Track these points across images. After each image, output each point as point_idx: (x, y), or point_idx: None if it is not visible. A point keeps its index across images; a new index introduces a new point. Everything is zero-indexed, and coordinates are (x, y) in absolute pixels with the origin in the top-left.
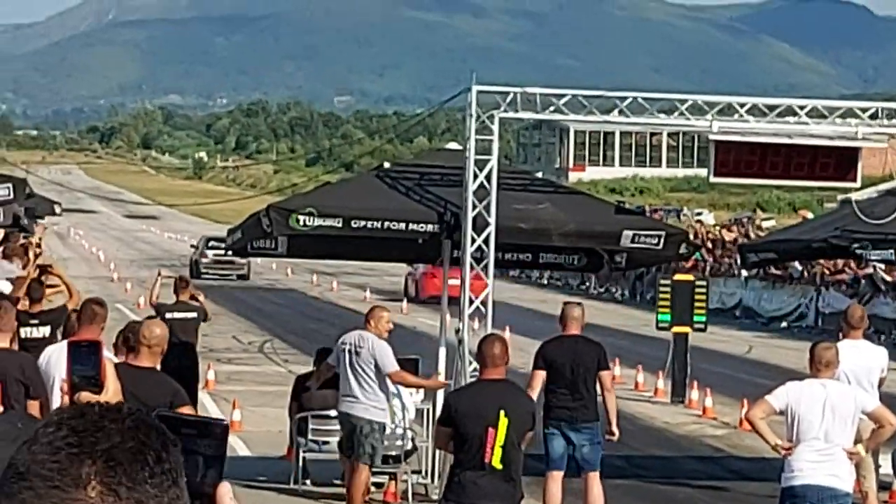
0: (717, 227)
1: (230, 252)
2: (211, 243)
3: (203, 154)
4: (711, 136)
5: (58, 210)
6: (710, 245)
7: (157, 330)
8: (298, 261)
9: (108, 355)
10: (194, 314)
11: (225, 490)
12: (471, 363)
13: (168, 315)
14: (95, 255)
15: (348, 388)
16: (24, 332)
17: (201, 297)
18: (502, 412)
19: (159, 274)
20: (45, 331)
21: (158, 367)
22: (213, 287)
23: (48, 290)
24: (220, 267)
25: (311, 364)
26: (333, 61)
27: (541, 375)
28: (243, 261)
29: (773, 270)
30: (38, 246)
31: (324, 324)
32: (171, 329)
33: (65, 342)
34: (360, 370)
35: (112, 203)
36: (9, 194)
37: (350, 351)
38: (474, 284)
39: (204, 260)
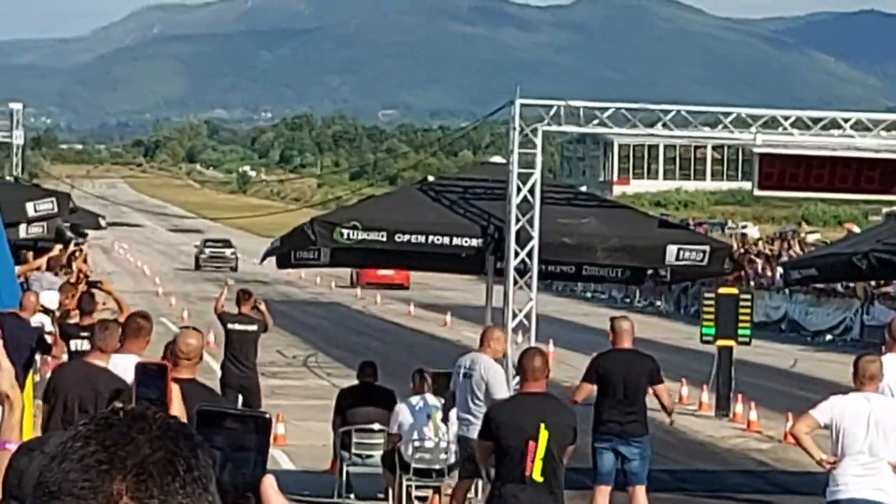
0: (761, 241)
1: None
2: (208, 243)
3: (247, 168)
4: (756, 149)
5: (102, 223)
6: (754, 258)
7: (193, 341)
8: (343, 275)
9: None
10: (255, 326)
11: (269, 482)
12: (513, 377)
13: (230, 325)
14: (140, 269)
15: (464, 411)
16: (74, 344)
17: (262, 307)
18: (542, 425)
19: (226, 283)
20: None
21: (196, 376)
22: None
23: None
24: (213, 261)
25: (354, 378)
26: (378, 75)
27: (588, 388)
28: (232, 256)
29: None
30: (85, 261)
31: (367, 337)
32: (232, 340)
33: (134, 360)
34: (472, 393)
35: (156, 217)
36: (52, 208)
37: (463, 374)
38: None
39: (202, 256)
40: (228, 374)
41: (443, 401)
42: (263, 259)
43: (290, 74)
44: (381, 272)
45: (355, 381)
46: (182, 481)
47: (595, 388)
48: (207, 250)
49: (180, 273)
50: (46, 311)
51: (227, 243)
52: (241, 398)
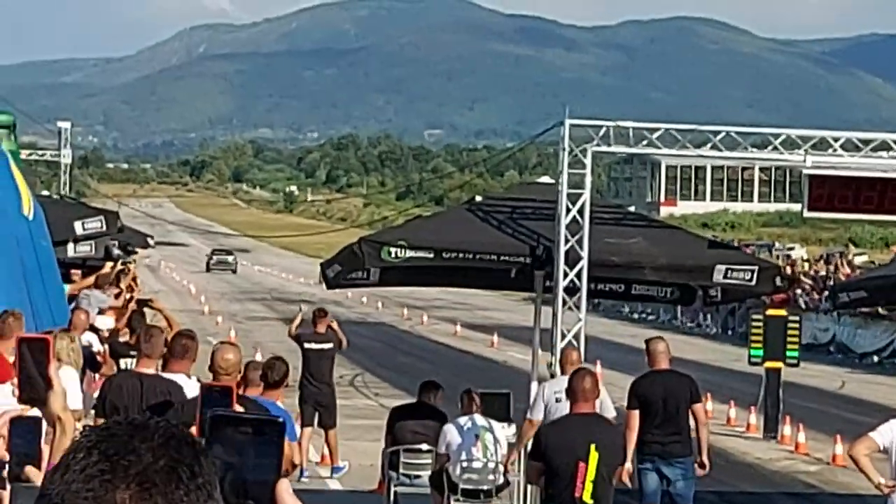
0: (809, 262)
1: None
2: (215, 252)
3: (293, 187)
4: (805, 171)
5: (150, 242)
6: (802, 280)
7: (231, 356)
8: (389, 295)
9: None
10: (331, 344)
11: (284, 486)
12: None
13: (306, 345)
14: (186, 288)
15: None
16: (124, 363)
17: (335, 325)
18: (593, 446)
19: (300, 310)
20: None
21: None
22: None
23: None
24: (219, 265)
25: (400, 398)
26: (423, 95)
27: (636, 415)
28: (233, 261)
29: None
30: (134, 280)
31: (414, 357)
32: (309, 358)
33: (181, 378)
34: None
35: (203, 236)
36: (101, 227)
37: (556, 399)
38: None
39: (211, 262)
40: (305, 392)
41: (492, 421)
42: (329, 286)
43: (335, 94)
44: None
45: (410, 400)
46: (186, 489)
47: (637, 414)
48: (215, 257)
49: (227, 292)
50: (95, 329)
51: (228, 252)
52: (317, 415)
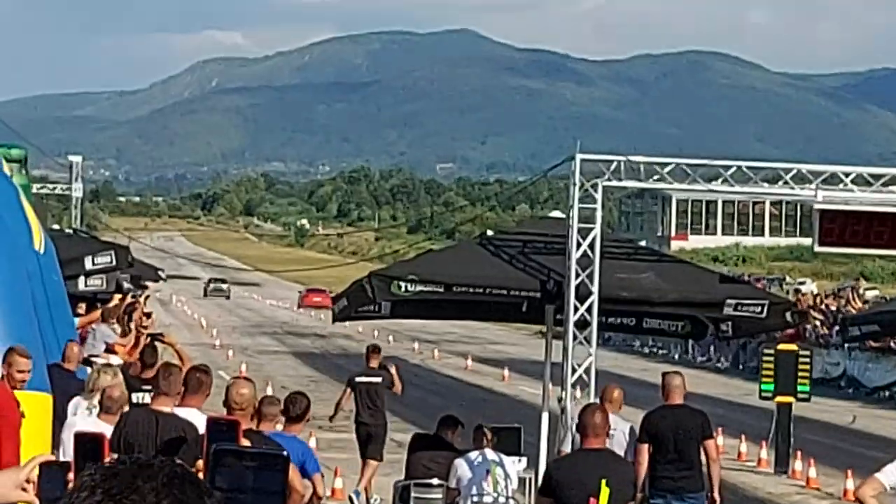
0: (819, 297)
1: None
2: (211, 280)
3: (305, 221)
4: (816, 206)
5: (161, 276)
6: (813, 314)
7: (245, 391)
8: (400, 328)
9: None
10: (380, 378)
11: None
12: (573, 432)
13: (357, 379)
14: (197, 322)
15: None
16: (136, 397)
17: (394, 370)
18: (603, 482)
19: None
20: None
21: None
22: (316, 355)
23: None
24: (214, 292)
25: (411, 432)
26: (436, 129)
27: (646, 449)
28: (226, 288)
29: (872, 343)
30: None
31: (425, 391)
32: (360, 391)
33: (194, 413)
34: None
35: (214, 270)
36: (111, 261)
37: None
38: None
39: (209, 289)
40: (358, 424)
41: (503, 455)
42: (335, 320)
43: (347, 128)
44: (315, 298)
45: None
46: None
47: (649, 447)
48: (211, 285)
49: (238, 326)
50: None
51: (223, 280)
52: (365, 445)
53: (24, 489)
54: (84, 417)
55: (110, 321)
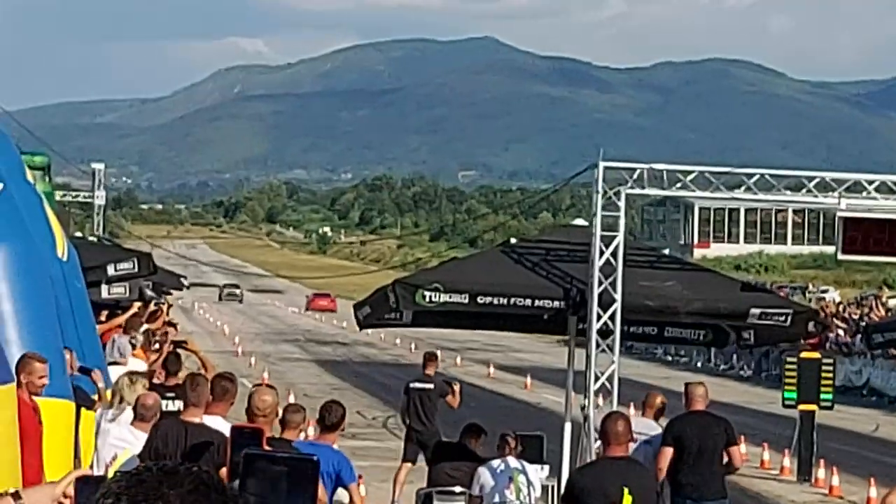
0: (842, 305)
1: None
2: (225, 285)
3: (327, 229)
4: (839, 213)
5: (184, 284)
6: (836, 323)
7: (268, 398)
8: (423, 336)
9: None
10: (433, 386)
11: None
12: (596, 440)
13: (412, 385)
14: (220, 329)
15: None
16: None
17: (456, 388)
18: (626, 490)
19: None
20: (180, 404)
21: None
22: (338, 363)
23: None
24: (228, 297)
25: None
26: (458, 136)
27: (668, 453)
28: (239, 293)
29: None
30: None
31: None
32: (412, 398)
33: (219, 421)
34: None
35: (236, 277)
36: (133, 268)
37: (644, 440)
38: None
39: (223, 293)
40: (409, 431)
41: (525, 463)
42: (361, 327)
43: (369, 135)
44: (321, 302)
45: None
46: None
47: (672, 452)
48: (225, 290)
49: (260, 333)
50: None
51: (236, 286)
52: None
53: (60, 503)
54: (119, 425)
55: (131, 331)
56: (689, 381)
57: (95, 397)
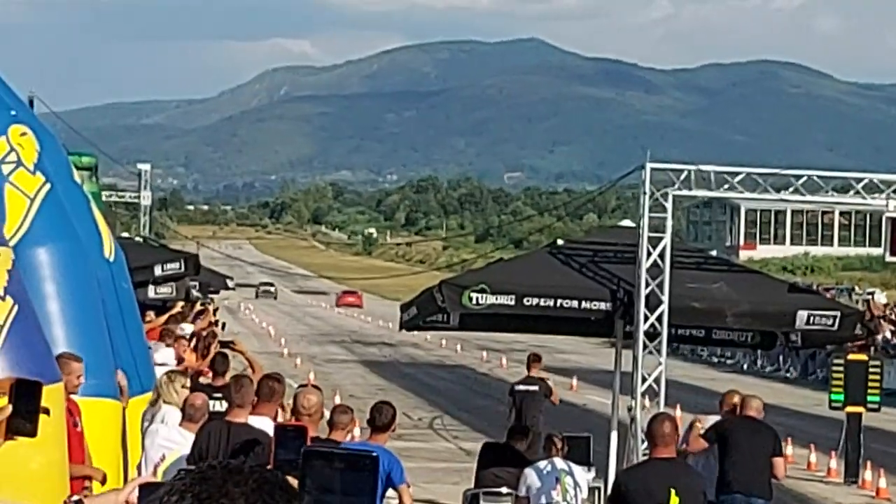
0: (889, 307)
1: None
2: (261, 283)
3: (373, 230)
4: (887, 215)
5: (230, 284)
6: (883, 324)
7: (313, 397)
8: (468, 337)
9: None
10: (536, 387)
11: None
12: (643, 441)
13: (517, 387)
14: (266, 330)
15: None
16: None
17: (556, 398)
18: (673, 491)
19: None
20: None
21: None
22: (382, 363)
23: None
24: (264, 294)
25: (482, 441)
26: (504, 137)
27: (703, 444)
28: (274, 290)
29: None
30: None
31: (493, 400)
32: (516, 399)
33: (267, 422)
34: None
35: (282, 278)
36: (180, 269)
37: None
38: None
39: (259, 290)
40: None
41: (572, 464)
42: (402, 328)
43: (415, 136)
44: (349, 298)
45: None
46: None
47: (708, 445)
48: (261, 288)
49: (306, 335)
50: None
51: (271, 284)
52: None
53: None
54: (167, 426)
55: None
56: (738, 385)
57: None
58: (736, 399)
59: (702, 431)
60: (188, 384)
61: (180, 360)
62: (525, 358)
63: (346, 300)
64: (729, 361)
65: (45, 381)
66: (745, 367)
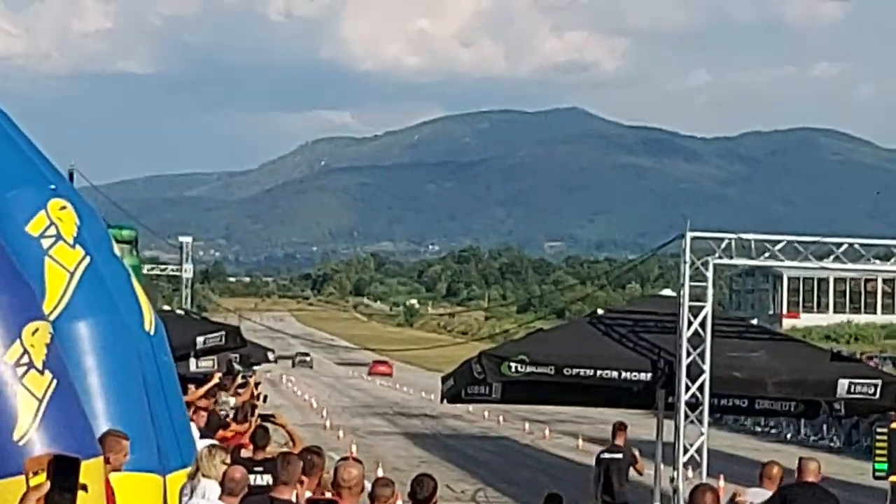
0: None
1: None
2: (298, 353)
3: (414, 301)
4: None
5: (271, 357)
6: None
7: (354, 471)
8: (510, 408)
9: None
10: (621, 455)
11: None
12: None
13: (602, 455)
14: (308, 403)
15: None
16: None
17: (636, 452)
18: None
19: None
20: (268, 479)
21: None
22: (426, 436)
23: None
24: (301, 363)
25: None
26: (544, 207)
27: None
28: (309, 360)
29: None
30: (254, 395)
31: (536, 472)
32: (601, 466)
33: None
34: None
35: (324, 350)
36: (222, 341)
37: None
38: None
39: (296, 360)
40: (602, 501)
41: None
42: (448, 400)
43: (455, 207)
44: (381, 367)
45: None
46: None
47: None
48: (298, 357)
49: (348, 406)
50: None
51: (307, 354)
52: None
53: None
54: (206, 500)
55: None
56: (782, 455)
57: None
58: (776, 471)
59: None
60: (228, 459)
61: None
62: (569, 429)
63: (378, 369)
64: (773, 431)
65: (84, 456)
66: (789, 436)
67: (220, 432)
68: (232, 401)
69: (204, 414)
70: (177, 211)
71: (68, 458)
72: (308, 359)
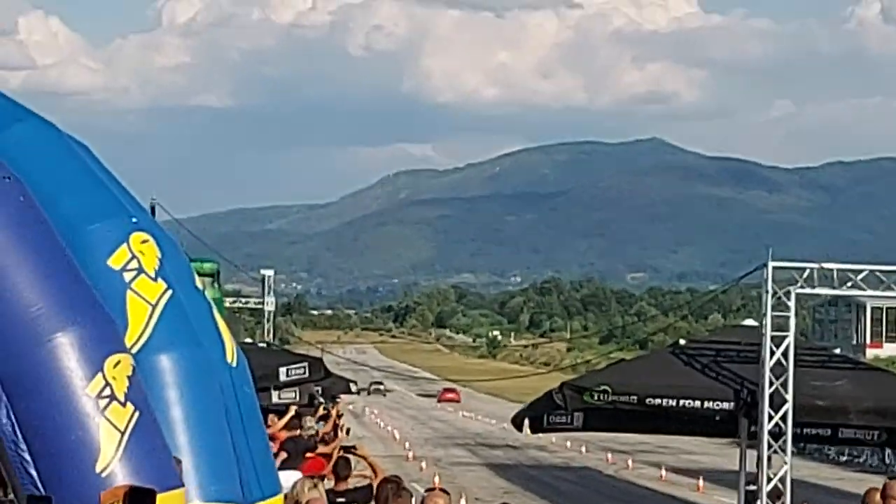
0: None
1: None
2: (372, 383)
3: (497, 332)
4: None
5: (353, 389)
6: None
7: (441, 501)
8: (592, 439)
9: None
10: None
11: None
12: None
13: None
14: (390, 434)
15: None
16: None
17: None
18: None
19: None
20: None
21: None
22: (509, 466)
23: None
24: (375, 391)
25: None
26: (625, 238)
27: None
28: (384, 389)
29: None
30: (337, 427)
31: (619, 502)
32: None
33: None
34: None
35: (406, 382)
36: (304, 373)
37: None
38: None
39: (371, 388)
40: None
41: None
42: (532, 431)
43: (536, 238)
44: (449, 395)
45: None
46: None
47: None
48: (372, 386)
49: (430, 437)
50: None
51: (381, 383)
52: None
53: None
54: None
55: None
56: (867, 485)
57: None
58: (878, 498)
59: None
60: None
61: None
62: (652, 459)
63: (446, 396)
64: (856, 460)
65: (165, 487)
66: (873, 465)
67: (308, 454)
68: (319, 426)
69: (284, 454)
70: (259, 244)
71: (144, 490)
72: (382, 387)
